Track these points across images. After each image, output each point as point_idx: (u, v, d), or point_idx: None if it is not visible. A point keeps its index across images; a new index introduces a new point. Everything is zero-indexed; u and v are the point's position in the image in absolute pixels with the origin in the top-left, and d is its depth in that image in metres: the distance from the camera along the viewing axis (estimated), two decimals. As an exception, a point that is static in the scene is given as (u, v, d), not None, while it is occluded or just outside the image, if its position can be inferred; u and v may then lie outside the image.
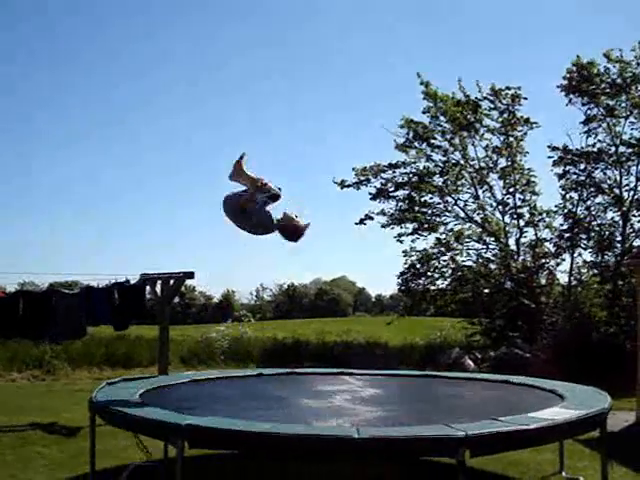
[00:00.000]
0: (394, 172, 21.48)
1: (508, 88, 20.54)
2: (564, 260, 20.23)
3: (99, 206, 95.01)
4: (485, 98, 20.62)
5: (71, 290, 11.08)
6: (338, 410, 6.31)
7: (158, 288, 11.30)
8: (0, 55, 65.49)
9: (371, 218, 21.52)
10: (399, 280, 21.50)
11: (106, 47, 75.77)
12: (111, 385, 6.95)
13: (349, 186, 21.57)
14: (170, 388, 7.43)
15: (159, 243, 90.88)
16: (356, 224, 21.74)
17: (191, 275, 11.05)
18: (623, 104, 19.46)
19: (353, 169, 21.49)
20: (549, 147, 20.32)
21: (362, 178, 21.50)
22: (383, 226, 21.42)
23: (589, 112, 19.84)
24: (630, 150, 19.43)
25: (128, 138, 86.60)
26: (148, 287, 11.52)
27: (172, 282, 11.24)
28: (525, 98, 20.52)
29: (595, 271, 19.90)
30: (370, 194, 21.48)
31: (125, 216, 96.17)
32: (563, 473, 7.21)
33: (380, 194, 21.40)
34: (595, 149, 19.88)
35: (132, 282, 11.35)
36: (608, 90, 19.33)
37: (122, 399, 6.03)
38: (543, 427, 5.06)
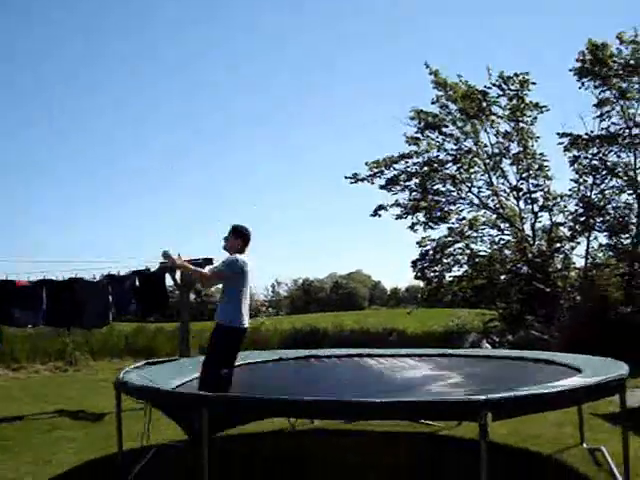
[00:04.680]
0: (406, 162, 21.54)
1: (516, 75, 20.51)
2: (579, 244, 20.31)
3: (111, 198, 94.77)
4: (494, 85, 20.62)
5: (93, 279, 11.22)
6: (361, 383, 6.45)
7: (178, 275, 11.39)
8: None
9: (385, 208, 21.64)
10: (414, 267, 21.62)
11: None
12: (136, 367, 7.08)
13: (362, 180, 21.62)
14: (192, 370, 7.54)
15: (172, 236, 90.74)
16: (371, 216, 21.91)
17: (210, 261, 11.08)
18: (636, 86, 19.40)
19: (366, 163, 21.58)
20: (558, 134, 20.31)
21: (375, 171, 21.56)
22: (398, 217, 21.53)
23: (602, 95, 19.81)
24: (644, 132, 19.39)
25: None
26: (168, 276, 11.60)
27: (192, 269, 11.31)
28: (534, 83, 20.55)
29: (611, 253, 19.92)
30: (380, 186, 21.59)
31: (139, 209, 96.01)
32: (584, 444, 7.25)
33: (390, 183, 21.44)
34: (607, 132, 19.84)
35: (152, 270, 11.48)
36: (621, 72, 19.26)
37: (148, 377, 6.15)
38: (563, 391, 5.14)
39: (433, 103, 21.27)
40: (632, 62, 19.12)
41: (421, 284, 23.58)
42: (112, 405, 6.67)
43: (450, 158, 21.37)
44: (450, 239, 21.44)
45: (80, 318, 10.90)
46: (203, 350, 18.77)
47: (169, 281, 11.73)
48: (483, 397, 4.68)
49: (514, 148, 20.96)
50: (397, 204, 21.56)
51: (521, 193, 20.87)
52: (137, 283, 11.16)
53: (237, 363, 7.14)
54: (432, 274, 21.70)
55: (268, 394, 5.31)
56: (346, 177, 21.69)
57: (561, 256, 20.47)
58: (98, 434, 8.34)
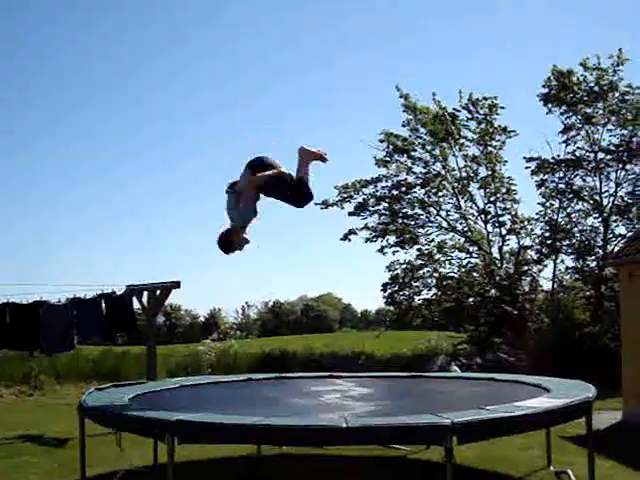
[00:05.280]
0: (376, 186, 21.59)
1: (485, 98, 20.74)
2: (546, 266, 20.46)
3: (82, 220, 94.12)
4: (463, 108, 20.82)
5: (58, 302, 11.07)
6: (328, 406, 6.39)
7: (145, 299, 11.31)
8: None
9: (355, 233, 21.63)
10: (384, 292, 21.62)
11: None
12: (100, 390, 6.98)
13: (332, 205, 21.62)
14: (159, 392, 7.47)
15: (141, 261, 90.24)
16: (341, 240, 21.88)
17: (177, 284, 11.06)
18: (600, 111, 19.72)
19: (335, 187, 21.58)
20: (525, 158, 20.56)
21: (345, 195, 21.58)
22: (367, 240, 21.51)
23: (567, 121, 20.10)
24: (609, 157, 19.65)
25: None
26: (135, 299, 11.51)
27: (159, 292, 11.25)
28: (502, 107, 20.79)
29: (577, 276, 20.11)
30: (349, 212, 21.61)
31: (108, 234, 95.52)
32: (551, 467, 7.27)
33: (359, 209, 21.47)
34: (573, 157, 20.10)
35: (118, 293, 11.36)
36: (585, 98, 19.59)
37: (111, 401, 6.06)
38: (529, 414, 5.14)
39: (404, 126, 21.43)
40: (596, 88, 19.47)
41: (391, 307, 23.53)
42: (77, 430, 6.57)
43: (419, 182, 21.45)
44: (420, 262, 21.47)
45: (45, 342, 10.75)
46: (170, 374, 18.88)
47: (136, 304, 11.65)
48: (448, 421, 4.67)
49: (482, 172, 21.15)
50: (366, 227, 21.56)
51: (489, 216, 21.02)
52: (103, 306, 11.04)
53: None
54: (401, 297, 21.70)
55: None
56: (316, 204, 21.62)
57: (528, 279, 20.59)
58: (61, 459, 8.22)
